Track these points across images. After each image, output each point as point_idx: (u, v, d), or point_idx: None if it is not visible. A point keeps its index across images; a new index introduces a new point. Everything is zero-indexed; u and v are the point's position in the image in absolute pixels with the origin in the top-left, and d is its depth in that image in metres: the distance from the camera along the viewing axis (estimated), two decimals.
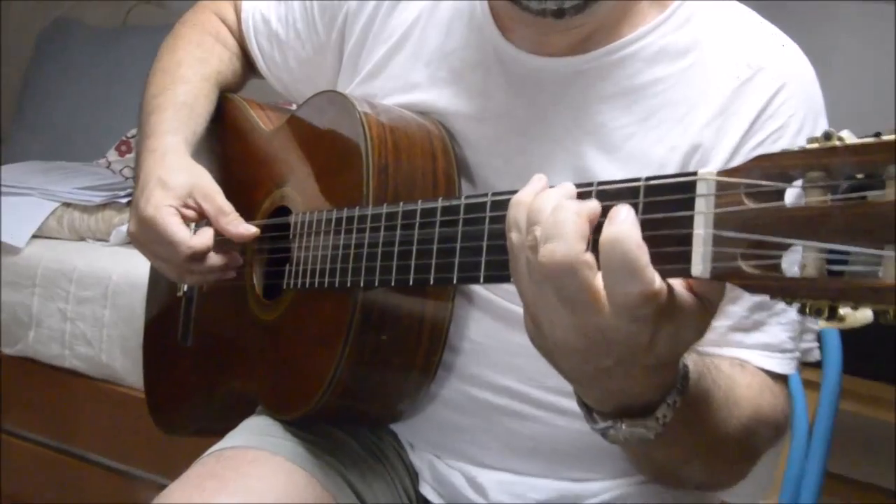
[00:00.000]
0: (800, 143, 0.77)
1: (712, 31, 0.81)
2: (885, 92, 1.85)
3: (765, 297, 0.46)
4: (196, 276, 0.93)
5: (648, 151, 0.79)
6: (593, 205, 0.53)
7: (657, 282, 0.50)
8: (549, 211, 0.53)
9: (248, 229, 0.90)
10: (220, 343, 1.02)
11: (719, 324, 0.78)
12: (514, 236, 0.56)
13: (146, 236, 0.91)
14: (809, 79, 0.81)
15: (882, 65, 1.92)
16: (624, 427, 0.60)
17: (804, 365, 0.88)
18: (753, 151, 0.77)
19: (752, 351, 0.79)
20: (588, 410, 0.62)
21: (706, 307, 0.53)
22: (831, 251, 0.42)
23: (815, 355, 0.87)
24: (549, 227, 0.52)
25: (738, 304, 0.79)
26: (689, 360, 0.63)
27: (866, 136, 0.42)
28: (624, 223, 0.50)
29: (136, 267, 1.76)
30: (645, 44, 0.80)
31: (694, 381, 0.62)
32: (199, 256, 0.89)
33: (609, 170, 0.79)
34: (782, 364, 0.80)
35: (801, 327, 0.82)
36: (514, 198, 0.57)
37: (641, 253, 0.49)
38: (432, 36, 0.88)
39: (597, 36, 0.80)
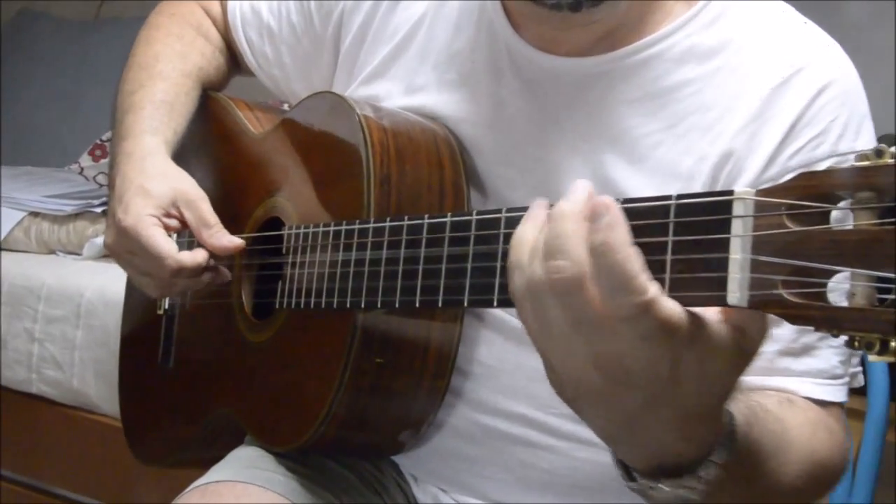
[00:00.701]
0: (840, 149, 0.78)
1: (746, 29, 0.81)
2: (885, 92, 1.87)
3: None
4: (179, 290, 0.94)
5: (676, 162, 0.79)
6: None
7: (651, 290, 0.49)
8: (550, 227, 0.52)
9: (231, 241, 0.90)
10: (204, 366, 1.02)
11: (767, 349, 0.78)
12: (517, 278, 0.54)
13: (126, 248, 0.91)
14: (854, 81, 0.81)
15: (882, 65, 1.95)
16: (666, 488, 0.58)
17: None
18: (791, 160, 0.77)
19: (802, 379, 0.78)
20: (625, 469, 0.61)
21: (738, 340, 0.52)
22: (883, 279, 0.42)
23: (860, 380, 0.87)
24: (552, 240, 0.51)
25: (785, 327, 0.78)
26: (735, 407, 0.61)
27: None
28: (609, 230, 0.49)
29: (110, 283, 1.76)
30: (671, 43, 0.80)
31: (742, 435, 0.61)
32: (187, 273, 0.89)
33: (634, 181, 0.79)
34: (834, 392, 0.79)
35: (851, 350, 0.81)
36: (515, 237, 0.55)
37: (630, 259, 0.48)
38: (439, 35, 0.88)
39: (618, 34, 0.80)
